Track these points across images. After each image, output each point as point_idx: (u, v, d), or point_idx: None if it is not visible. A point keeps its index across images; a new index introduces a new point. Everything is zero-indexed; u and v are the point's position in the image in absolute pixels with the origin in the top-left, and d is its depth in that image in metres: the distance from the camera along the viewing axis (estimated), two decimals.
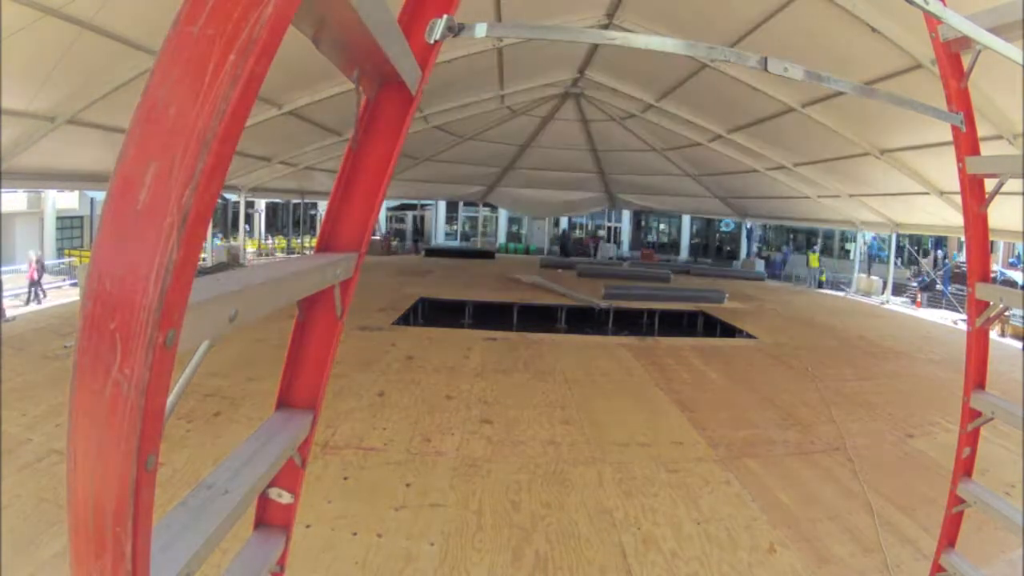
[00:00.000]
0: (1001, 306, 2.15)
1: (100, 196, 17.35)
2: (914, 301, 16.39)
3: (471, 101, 13.47)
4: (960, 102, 2.08)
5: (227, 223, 23.96)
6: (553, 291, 13.45)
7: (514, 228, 29.52)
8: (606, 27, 9.46)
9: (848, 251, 24.14)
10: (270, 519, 1.44)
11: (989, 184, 2.14)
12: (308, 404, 1.38)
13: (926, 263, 20.44)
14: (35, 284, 12.07)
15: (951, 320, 13.38)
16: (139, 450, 0.65)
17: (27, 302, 11.54)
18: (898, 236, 16.32)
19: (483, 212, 28.15)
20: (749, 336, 10.17)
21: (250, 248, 21.09)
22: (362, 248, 1.33)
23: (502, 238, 28.74)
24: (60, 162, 9.28)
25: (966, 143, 2.10)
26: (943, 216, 11.92)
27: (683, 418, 5.72)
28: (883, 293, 16.10)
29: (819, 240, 25.22)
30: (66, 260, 18.78)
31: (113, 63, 7.18)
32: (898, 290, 17.31)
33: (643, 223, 30.56)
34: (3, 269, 11.16)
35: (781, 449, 5.12)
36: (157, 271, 0.62)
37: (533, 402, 5.94)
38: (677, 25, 9.00)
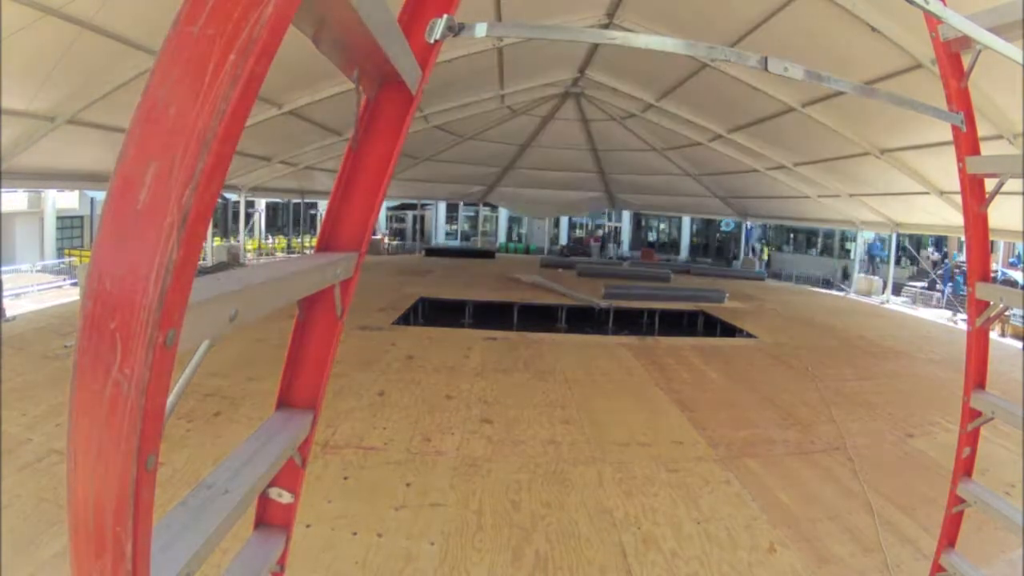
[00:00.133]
0: (1001, 306, 2.15)
1: (100, 196, 17.37)
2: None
3: (471, 101, 13.47)
4: (960, 102, 2.08)
5: (227, 223, 23.97)
6: (553, 291, 13.45)
7: (514, 228, 29.54)
8: (606, 27, 9.45)
9: (848, 251, 24.15)
10: (270, 519, 1.44)
11: (989, 184, 2.14)
12: (308, 404, 1.38)
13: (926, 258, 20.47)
14: None
15: (948, 319, 13.39)
16: (139, 450, 0.65)
17: None
18: (898, 236, 16.32)
19: (483, 212, 28.16)
20: (749, 336, 10.17)
21: (250, 248, 21.10)
22: (362, 248, 1.33)
23: (502, 238, 28.78)
24: (60, 162, 9.28)
25: (966, 143, 2.10)
26: (943, 216, 11.92)
27: (683, 418, 5.71)
28: (883, 293, 16.11)
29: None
30: (66, 260, 18.78)
31: (113, 63, 7.18)
32: (897, 290, 17.31)
33: (643, 223, 30.58)
34: (3, 269, 11.15)
35: (781, 449, 5.12)
36: (157, 271, 0.62)
37: (533, 402, 5.94)
38: (677, 25, 9.00)
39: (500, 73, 11.95)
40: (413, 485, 4.10)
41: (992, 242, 5.61)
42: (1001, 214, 9.01)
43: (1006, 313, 8.09)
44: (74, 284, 14.34)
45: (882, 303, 15.42)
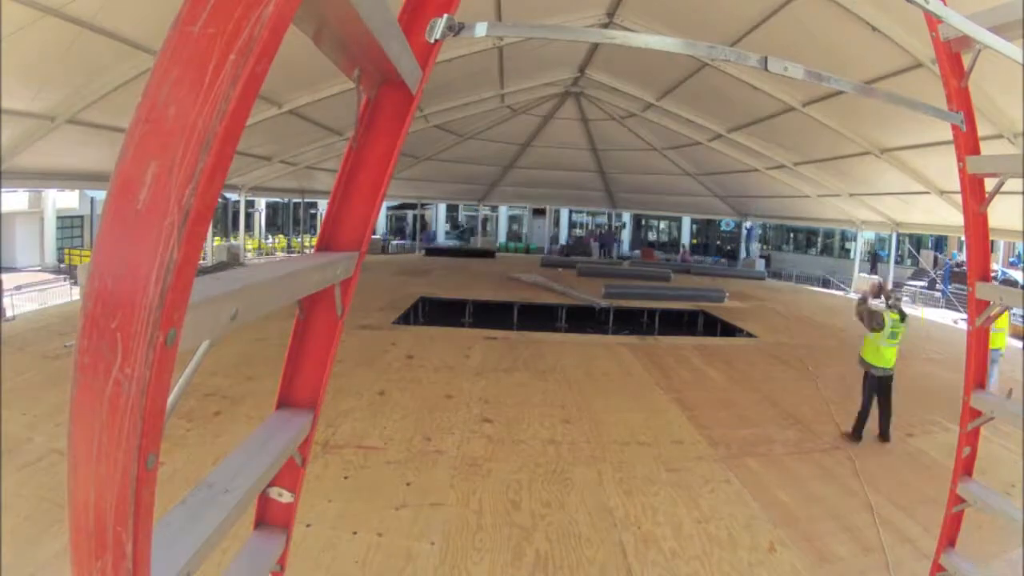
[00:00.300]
0: (1001, 305, 2.15)
1: (100, 196, 17.36)
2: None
3: (471, 100, 13.48)
4: (960, 101, 2.08)
5: (227, 222, 23.95)
6: (553, 290, 13.45)
7: (514, 227, 29.51)
8: (606, 26, 9.45)
9: (848, 251, 24.14)
10: (270, 518, 1.44)
11: (989, 184, 2.14)
12: (308, 403, 1.38)
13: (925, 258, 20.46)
14: None
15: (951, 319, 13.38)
16: (139, 449, 0.65)
17: None
18: (898, 235, 16.31)
19: (483, 211, 28.14)
20: (749, 335, 10.17)
21: (250, 247, 21.10)
22: (362, 247, 1.33)
23: (502, 237, 28.73)
24: (60, 162, 9.28)
25: (966, 142, 2.10)
26: (943, 215, 11.92)
27: (683, 417, 5.72)
28: None
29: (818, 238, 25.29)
30: (66, 259, 18.78)
31: (113, 63, 7.18)
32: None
33: (643, 222, 30.55)
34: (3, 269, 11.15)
35: (781, 448, 5.13)
36: (158, 271, 0.62)
37: (533, 401, 5.94)
38: (677, 24, 9.00)
39: (500, 72, 11.95)
40: (413, 484, 4.10)
41: (992, 242, 5.60)
42: (1001, 214, 9.00)
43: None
44: (74, 284, 14.34)
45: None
